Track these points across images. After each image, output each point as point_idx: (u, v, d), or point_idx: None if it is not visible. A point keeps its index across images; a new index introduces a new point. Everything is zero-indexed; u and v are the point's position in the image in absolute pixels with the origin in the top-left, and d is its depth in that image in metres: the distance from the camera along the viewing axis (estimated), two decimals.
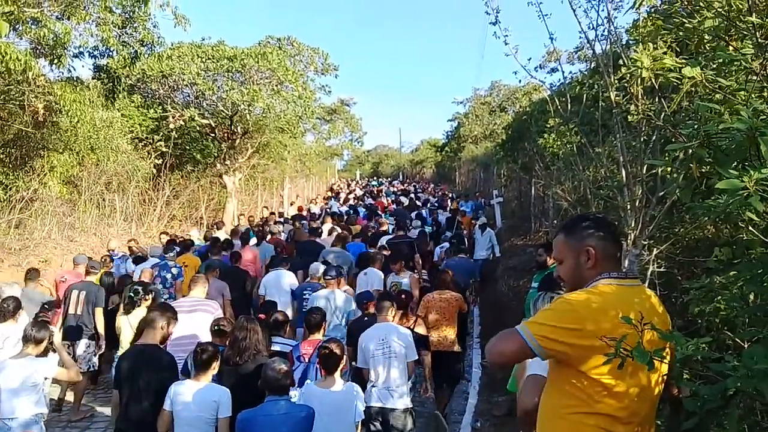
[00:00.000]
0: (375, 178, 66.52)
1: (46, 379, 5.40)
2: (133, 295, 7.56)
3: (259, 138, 23.11)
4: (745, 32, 2.11)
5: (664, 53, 2.16)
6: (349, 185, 44.50)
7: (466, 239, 16.03)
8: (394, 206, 24.39)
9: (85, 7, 14.10)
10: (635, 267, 5.52)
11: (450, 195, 32.92)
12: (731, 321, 4.09)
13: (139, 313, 7.25)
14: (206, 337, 6.22)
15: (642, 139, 5.36)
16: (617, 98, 4.97)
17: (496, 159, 27.10)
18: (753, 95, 1.87)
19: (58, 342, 6.02)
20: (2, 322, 6.79)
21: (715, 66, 2.01)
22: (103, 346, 8.80)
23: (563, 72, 6.84)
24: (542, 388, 2.72)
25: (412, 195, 31.81)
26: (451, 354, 7.87)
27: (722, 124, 1.55)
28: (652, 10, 2.88)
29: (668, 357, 2.47)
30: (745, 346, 2.43)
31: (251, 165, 24.45)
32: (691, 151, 1.69)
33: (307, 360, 5.99)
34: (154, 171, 20.34)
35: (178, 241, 12.19)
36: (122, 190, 19.11)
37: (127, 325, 7.44)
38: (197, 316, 6.88)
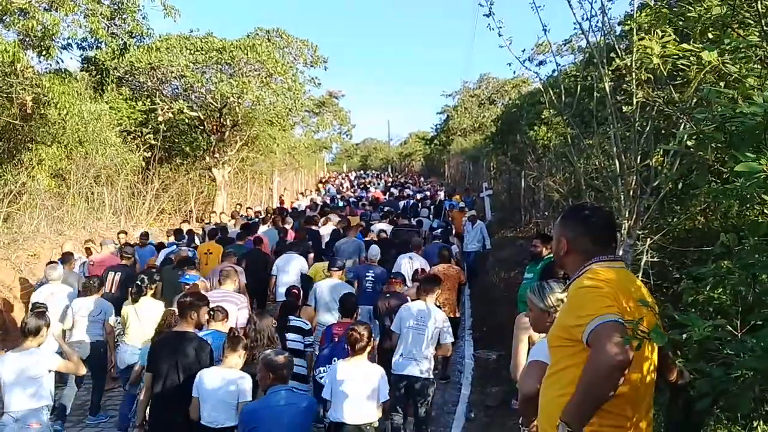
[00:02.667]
0: (363, 171, 66.48)
1: (50, 371, 5.37)
2: (140, 283, 7.65)
3: (248, 131, 23.04)
4: (750, 21, 2.14)
5: (676, 39, 2.19)
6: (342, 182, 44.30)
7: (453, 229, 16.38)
8: (386, 198, 24.99)
9: None
10: (629, 257, 5.57)
11: (441, 189, 33.25)
12: (724, 310, 4.14)
13: (144, 301, 7.47)
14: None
15: (636, 130, 5.39)
16: (623, 86, 4.99)
17: (485, 152, 27.19)
18: (765, 81, 1.89)
19: (58, 334, 6.01)
20: (88, 296, 7.73)
21: (720, 53, 2.04)
22: None
23: (557, 63, 6.87)
24: (543, 374, 2.76)
25: (408, 189, 32.41)
26: (452, 319, 8.26)
27: (739, 109, 1.57)
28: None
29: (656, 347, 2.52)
30: (739, 335, 2.47)
31: (240, 158, 24.37)
32: (706, 134, 1.71)
33: (338, 340, 6.37)
34: (143, 164, 20.20)
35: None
36: (111, 183, 18.96)
37: (133, 313, 7.48)
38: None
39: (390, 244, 11.84)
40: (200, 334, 5.74)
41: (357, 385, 5.34)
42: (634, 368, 2.43)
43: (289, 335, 6.92)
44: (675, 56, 2.29)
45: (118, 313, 8.00)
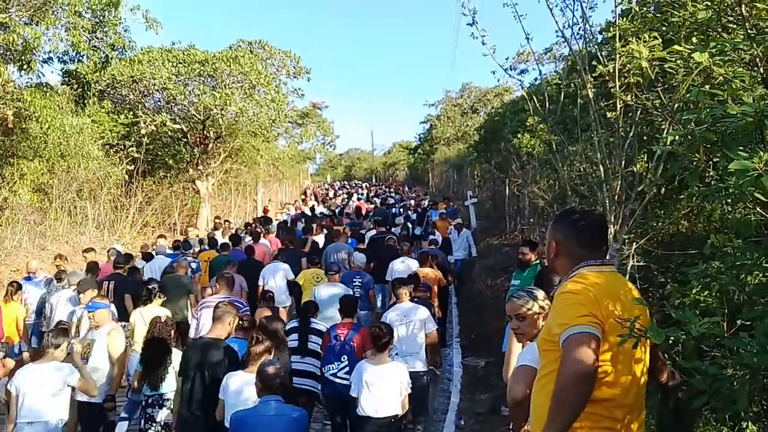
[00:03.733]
0: (347, 181, 66.50)
1: (68, 386, 5.45)
2: (151, 289, 7.95)
3: (231, 142, 22.98)
4: (733, 24, 2.18)
5: (661, 43, 2.23)
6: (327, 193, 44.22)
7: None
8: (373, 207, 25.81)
9: (54, 11, 13.89)
10: (616, 261, 5.61)
11: (425, 198, 33.56)
12: (711, 312, 4.18)
13: (152, 307, 7.69)
14: None
15: (620, 135, 5.45)
16: (607, 92, 5.06)
17: (469, 160, 27.32)
18: (751, 82, 1.93)
19: (77, 354, 6.02)
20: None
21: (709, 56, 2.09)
22: None
23: (540, 71, 6.94)
24: (532, 379, 2.77)
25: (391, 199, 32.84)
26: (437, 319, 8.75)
27: (729, 109, 1.61)
28: (639, 3, 2.96)
29: (648, 347, 2.55)
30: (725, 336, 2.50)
31: (224, 170, 24.29)
32: (697, 135, 1.74)
33: (342, 339, 6.64)
34: (126, 177, 20.08)
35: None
36: (94, 197, 18.83)
37: (140, 318, 7.61)
38: None
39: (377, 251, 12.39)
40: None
41: (382, 382, 5.70)
42: (624, 370, 2.45)
43: (312, 337, 7.09)
44: (662, 60, 2.33)
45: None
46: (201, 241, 15.13)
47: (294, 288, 10.08)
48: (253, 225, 17.60)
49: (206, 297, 8.83)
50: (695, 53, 1.90)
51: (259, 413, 4.58)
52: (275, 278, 10.48)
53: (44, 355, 5.56)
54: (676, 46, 2.15)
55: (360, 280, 9.80)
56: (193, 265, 11.16)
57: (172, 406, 5.90)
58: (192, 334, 7.70)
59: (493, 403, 8.10)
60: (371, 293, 9.92)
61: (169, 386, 6.00)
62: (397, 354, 6.81)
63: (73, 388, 5.53)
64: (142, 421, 6.01)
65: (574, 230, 2.71)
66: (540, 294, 3.68)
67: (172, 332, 6.56)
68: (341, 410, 6.43)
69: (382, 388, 5.69)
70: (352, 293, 8.70)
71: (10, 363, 6.62)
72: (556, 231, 2.77)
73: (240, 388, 5.15)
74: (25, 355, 8.26)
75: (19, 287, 9.18)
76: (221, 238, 14.26)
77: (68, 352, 5.79)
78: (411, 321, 7.22)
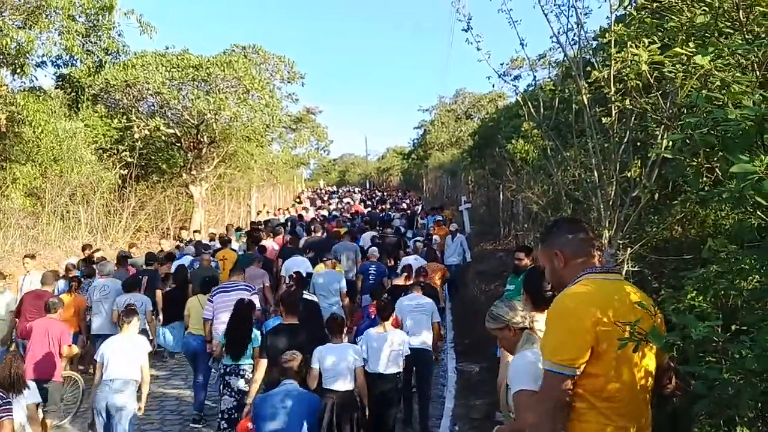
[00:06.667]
0: (341, 187, 66.48)
1: (140, 353, 6.70)
2: (209, 281, 9.20)
3: (225, 147, 22.95)
4: (731, 29, 2.19)
5: (658, 48, 2.24)
6: (321, 197, 44.33)
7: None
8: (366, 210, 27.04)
9: (47, 15, 13.85)
10: (611, 266, 5.60)
11: (419, 203, 34.11)
12: (705, 317, 4.18)
13: (205, 297, 8.72)
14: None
15: (615, 141, 5.46)
16: (603, 97, 5.07)
17: (463, 165, 27.34)
18: (751, 86, 1.94)
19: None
20: (130, 292, 9.40)
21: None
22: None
23: (534, 77, 6.95)
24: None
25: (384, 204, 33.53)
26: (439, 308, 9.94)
27: (730, 113, 1.61)
28: (640, 6, 2.96)
29: (653, 352, 2.54)
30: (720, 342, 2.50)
31: (218, 174, 24.27)
32: (697, 138, 1.74)
33: (373, 317, 7.87)
34: (119, 182, 20.04)
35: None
36: (87, 201, 18.75)
37: (197, 304, 8.77)
38: (236, 295, 8.21)
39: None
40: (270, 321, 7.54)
41: (387, 345, 6.91)
42: (625, 377, 2.44)
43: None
44: (660, 64, 2.33)
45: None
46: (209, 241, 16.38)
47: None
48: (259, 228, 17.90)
49: None
50: (696, 56, 1.91)
51: (275, 394, 5.20)
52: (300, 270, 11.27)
53: (121, 329, 6.88)
54: (677, 49, 2.16)
55: (375, 269, 11.33)
56: (213, 264, 12.22)
57: (248, 377, 6.84)
58: (209, 316, 8.24)
59: (487, 409, 8.09)
60: (385, 280, 11.16)
61: (247, 359, 7.01)
62: (408, 332, 7.78)
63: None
64: (221, 387, 7.10)
65: (573, 237, 2.74)
66: (505, 311, 3.65)
67: (253, 312, 7.57)
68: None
69: (387, 350, 6.89)
70: (344, 277, 10.41)
71: (75, 348, 8.48)
72: (555, 242, 2.78)
73: (333, 355, 6.20)
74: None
75: (80, 281, 10.30)
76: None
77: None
78: (422, 306, 8.27)
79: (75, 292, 9.78)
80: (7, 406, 4.77)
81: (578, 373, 2.41)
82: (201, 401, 8.35)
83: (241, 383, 6.90)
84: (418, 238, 16.65)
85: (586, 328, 2.39)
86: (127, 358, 6.56)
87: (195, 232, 18.09)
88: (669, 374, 2.74)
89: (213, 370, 8.20)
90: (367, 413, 6.48)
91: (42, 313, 8.02)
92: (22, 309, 8.94)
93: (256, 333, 7.17)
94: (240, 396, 6.81)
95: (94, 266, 10.97)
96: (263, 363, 6.39)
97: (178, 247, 15.62)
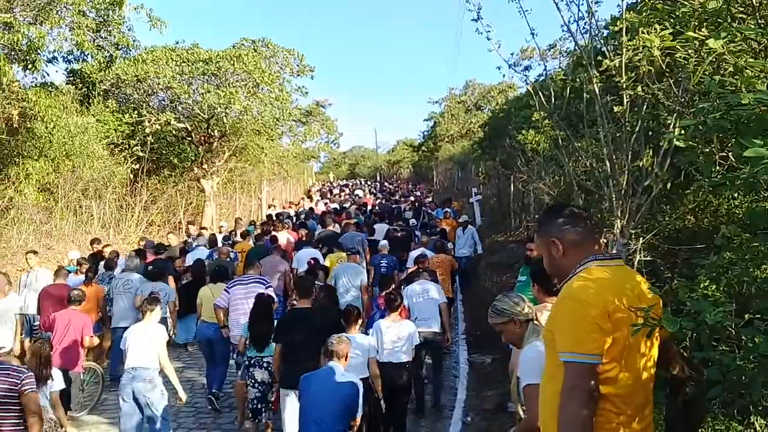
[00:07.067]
0: (351, 179, 66.50)
1: (160, 341, 6.85)
2: (218, 268, 9.67)
3: (236, 141, 22.97)
4: (743, 14, 2.17)
5: (670, 34, 2.22)
6: (331, 191, 44.42)
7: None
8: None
9: (58, 11, 13.91)
10: (623, 256, 5.59)
11: (429, 196, 34.24)
12: (719, 305, 4.16)
13: (221, 287, 8.93)
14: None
15: (626, 130, 5.42)
16: (614, 85, 5.03)
17: (473, 157, 27.28)
18: (764, 71, 1.92)
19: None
20: (154, 281, 9.74)
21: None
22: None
23: (545, 66, 6.91)
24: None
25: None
26: (448, 298, 10.25)
27: (744, 98, 1.60)
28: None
29: (657, 342, 2.53)
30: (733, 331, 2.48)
31: (229, 168, 24.29)
32: (710, 123, 1.72)
33: (383, 307, 7.93)
34: (131, 176, 20.12)
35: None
36: (99, 196, 18.85)
37: (209, 294, 8.98)
38: (252, 287, 8.59)
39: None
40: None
41: (396, 335, 7.14)
42: (632, 365, 2.43)
43: None
44: (672, 49, 2.31)
45: None
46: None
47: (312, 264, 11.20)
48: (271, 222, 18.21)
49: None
50: (710, 40, 1.89)
51: (320, 376, 5.38)
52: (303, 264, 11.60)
53: (143, 316, 7.05)
54: (690, 33, 2.13)
55: (386, 262, 11.79)
56: (231, 255, 12.80)
57: (271, 368, 6.95)
58: (222, 304, 8.47)
59: (500, 400, 8.10)
60: (395, 273, 11.42)
61: (270, 351, 7.07)
62: (416, 318, 8.18)
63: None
64: (246, 378, 7.21)
65: (571, 224, 2.68)
66: (510, 305, 3.65)
67: (273, 305, 7.81)
68: None
69: (397, 340, 7.13)
70: (365, 271, 10.80)
71: (96, 339, 8.64)
72: (553, 230, 2.71)
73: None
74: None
75: (96, 272, 10.66)
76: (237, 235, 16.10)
77: None
78: (428, 292, 8.61)
79: (91, 283, 9.95)
80: (33, 380, 4.94)
81: (603, 361, 2.36)
82: (219, 382, 8.67)
83: (264, 375, 7.07)
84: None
85: (605, 315, 2.36)
86: (146, 347, 6.73)
87: (202, 228, 18.16)
88: (673, 358, 2.73)
89: (236, 363, 8.38)
90: (382, 403, 6.68)
91: (59, 307, 8.29)
92: (41, 305, 9.15)
93: None
94: (263, 387, 7.01)
95: (116, 260, 11.38)
96: (277, 347, 6.64)
97: (185, 242, 15.82)
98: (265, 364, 7.08)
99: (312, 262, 10.47)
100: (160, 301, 7.37)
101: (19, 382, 4.75)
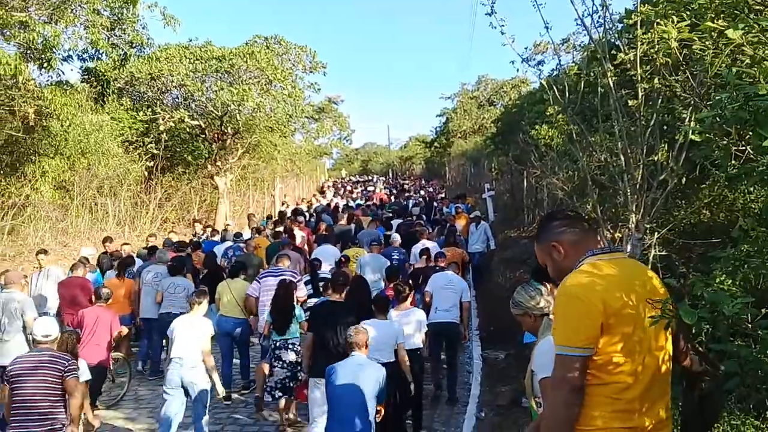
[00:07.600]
0: (363, 176, 66.53)
1: (204, 334, 7.07)
2: (236, 264, 10.09)
3: (249, 138, 23.04)
4: (761, 5, 2.16)
5: (687, 26, 2.21)
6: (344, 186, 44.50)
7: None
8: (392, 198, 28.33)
9: (72, 9, 14.01)
10: (638, 251, 5.57)
11: (441, 191, 34.35)
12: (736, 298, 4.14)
13: (238, 281, 9.38)
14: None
15: (641, 124, 5.40)
16: (629, 79, 5.01)
17: (486, 153, 27.18)
18: None
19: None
20: (175, 275, 9.86)
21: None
22: None
23: (559, 61, 6.89)
24: None
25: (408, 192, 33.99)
26: None
27: (762, 89, 1.59)
28: None
29: (671, 336, 2.52)
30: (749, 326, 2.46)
31: (242, 165, 24.39)
32: (728, 114, 1.72)
33: (391, 298, 8.07)
34: (146, 174, 20.26)
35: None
36: (114, 193, 19.01)
37: (226, 288, 9.26)
38: (282, 279, 8.62)
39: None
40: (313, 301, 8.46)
41: (406, 323, 7.39)
42: (642, 360, 2.43)
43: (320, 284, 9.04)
44: (689, 41, 2.30)
45: None
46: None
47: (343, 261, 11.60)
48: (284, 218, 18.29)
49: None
50: (728, 30, 1.88)
51: (347, 365, 5.56)
52: (325, 257, 11.81)
53: (191, 309, 7.34)
54: (708, 23, 2.12)
55: (398, 255, 12.16)
56: (246, 250, 12.88)
57: (297, 349, 7.47)
58: (253, 293, 8.89)
59: (514, 396, 8.10)
60: (406, 265, 11.95)
61: (293, 333, 7.60)
62: (437, 308, 8.75)
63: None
64: (272, 360, 7.59)
65: (568, 225, 2.72)
66: (526, 299, 3.66)
67: (295, 291, 8.16)
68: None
69: (407, 327, 7.37)
70: (389, 263, 10.87)
71: (125, 330, 8.82)
72: (551, 235, 2.74)
73: (375, 333, 6.51)
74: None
75: (126, 266, 10.75)
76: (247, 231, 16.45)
77: None
78: (452, 284, 9.05)
79: (124, 276, 10.30)
80: (76, 367, 5.48)
81: (593, 353, 2.40)
82: (246, 371, 9.15)
83: (291, 356, 7.51)
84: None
85: (595, 310, 2.38)
86: (190, 339, 6.97)
87: (207, 227, 18.29)
88: (686, 352, 2.72)
89: (262, 346, 8.97)
90: (411, 386, 6.96)
91: (75, 300, 8.70)
92: (60, 299, 9.37)
93: (300, 310, 7.96)
94: (292, 367, 7.48)
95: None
96: (309, 336, 7.02)
97: (191, 241, 15.85)
98: (290, 346, 7.53)
99: (343, 260, 10.90)
100: (207, 294, 7.59)
101: (63, 368, 5.26)
